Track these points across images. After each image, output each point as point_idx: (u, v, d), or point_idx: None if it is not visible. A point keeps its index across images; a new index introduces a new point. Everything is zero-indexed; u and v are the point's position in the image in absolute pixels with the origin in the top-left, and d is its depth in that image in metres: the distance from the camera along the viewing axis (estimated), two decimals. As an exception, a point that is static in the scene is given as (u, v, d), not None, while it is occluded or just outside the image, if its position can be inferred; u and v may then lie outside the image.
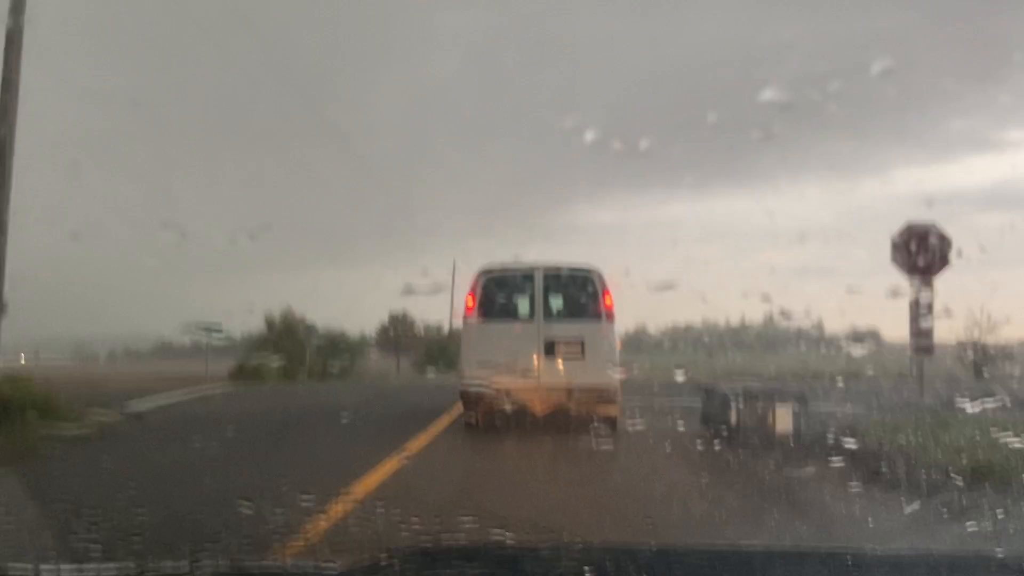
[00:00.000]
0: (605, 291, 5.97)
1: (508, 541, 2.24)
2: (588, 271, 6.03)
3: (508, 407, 5.75)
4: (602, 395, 5.84)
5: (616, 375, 5.94)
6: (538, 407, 5.71)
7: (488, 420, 5.98)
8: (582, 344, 6.00)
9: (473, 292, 6.12)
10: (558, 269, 6.07)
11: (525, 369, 5.78)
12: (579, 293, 6.07)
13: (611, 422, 6.05)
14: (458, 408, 6.82)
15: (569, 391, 5.81)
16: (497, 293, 6.27)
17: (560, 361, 5.94)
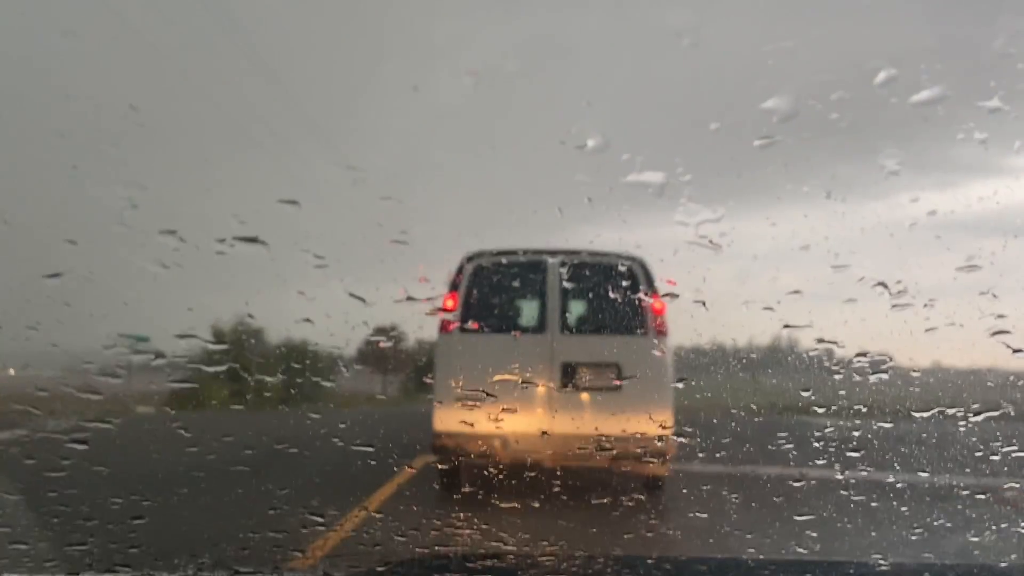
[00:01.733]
0: (654, 293, 4.15)
1: (507, 551, 2.22)
2: (627, 261, 4.17)
3: (502, 464, 3.92)
4: (647, 449, 3.93)
5: (669, 419, 4.10)
6: (549, 462, 3.93)
7: (472, 482, 4.05)
8: (618, 370, 4.13)
9: (455, 290, 4.30)
10: (581, 257, 4.26)
11: (531, 407, 3.97)
12: (614, 294, 4.22)
13: (655, 489, 4.31)
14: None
15: (597, 442, 3.93)
16: (491, 292, 4.41)
17: (585, 396, 4.14)
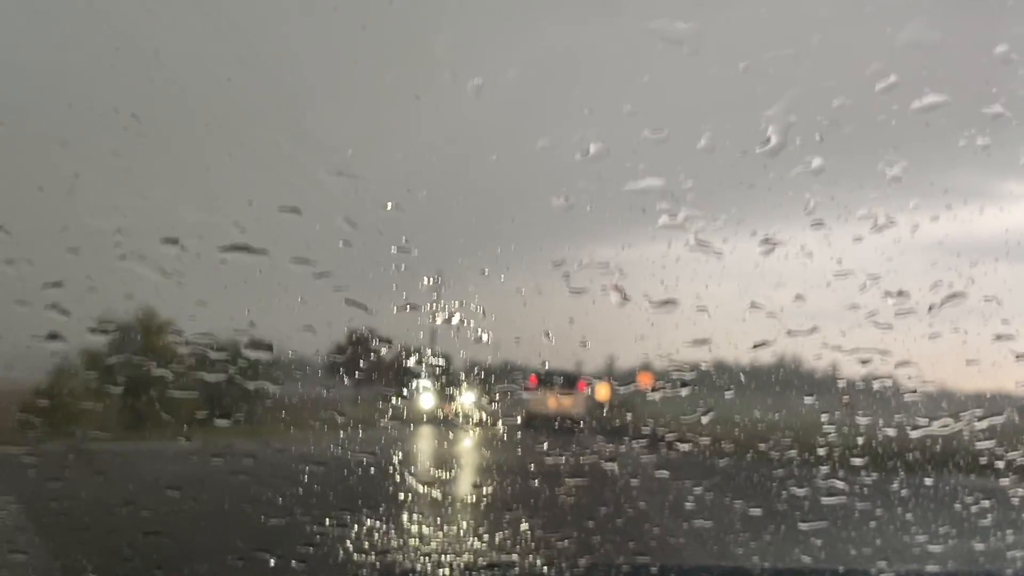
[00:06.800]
0: (580, 380, 10.55)
1: (511, 560, 2.20)
2: (575, 372, 9.83)
3: (540, 419, 10.43)
4: (575, 417, 10.66)
5: (582, 411, 10.57)
6: (551, 422, 9.92)
7: (535, 424, 9.81)
8: (569, 397, 11.07)
9: (532, 377, 9.95)
10: (563, 370, 10.08)
11: (547, 406, 10.75)
12: (569, 380, 10.84)
13: (578, 426, 10.28)
14: None
15: (562, 414, 10.61)
16: (541, 380, 10.78)
17: (562, 403, 10.96)
